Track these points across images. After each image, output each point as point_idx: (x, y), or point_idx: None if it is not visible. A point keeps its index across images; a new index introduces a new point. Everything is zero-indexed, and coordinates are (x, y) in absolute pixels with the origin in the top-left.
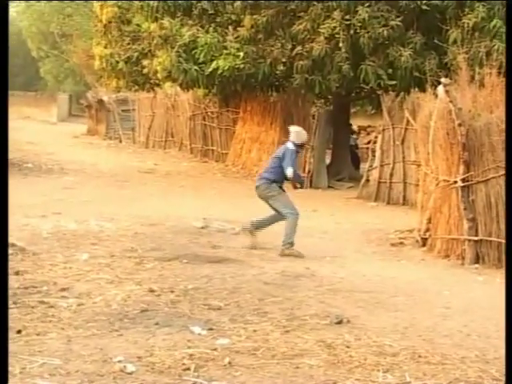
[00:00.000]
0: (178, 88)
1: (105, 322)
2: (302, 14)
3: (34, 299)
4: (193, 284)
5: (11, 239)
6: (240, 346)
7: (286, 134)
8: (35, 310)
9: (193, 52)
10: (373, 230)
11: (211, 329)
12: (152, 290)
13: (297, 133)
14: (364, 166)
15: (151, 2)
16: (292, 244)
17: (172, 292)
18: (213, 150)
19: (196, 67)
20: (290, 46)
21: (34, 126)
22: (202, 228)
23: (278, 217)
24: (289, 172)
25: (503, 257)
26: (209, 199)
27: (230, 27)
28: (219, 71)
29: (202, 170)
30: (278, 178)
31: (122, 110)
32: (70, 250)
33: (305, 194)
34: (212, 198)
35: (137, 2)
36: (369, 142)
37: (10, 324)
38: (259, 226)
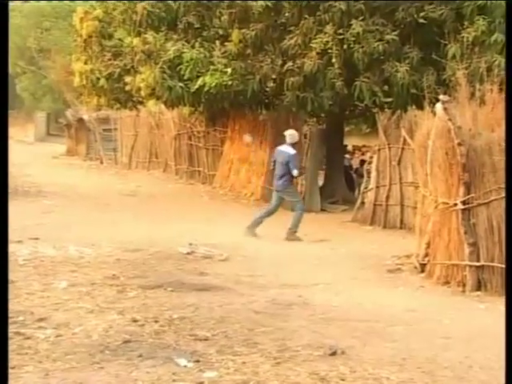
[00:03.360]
0: (163, 106)
1: (85, 354)
2: (292, 28)
3: (9, 330)
4: (178, 313)
5: None
6: (228, 379)
7: None
8: (11, 341)
9: (178, 68)
10: (368, 256)
11: (198, 361)
12: (135, 320)
13: (292, 135)
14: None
15: (134, 16)
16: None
17: (156, 322)
18: (199, 171)
19: (181, 84)
20: (280, 62)
21: (9, 147)
22: (188, 254)
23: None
24: (295, 173)
25: None
26: (195, 223)
27: (217, 42)
28: (206, 88)
29: (187, 192)
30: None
31: (103, 130)
32: (48, 277)
33: None
34: (198, 221)
35: (119, 16)
36: (361, 163)
37: None
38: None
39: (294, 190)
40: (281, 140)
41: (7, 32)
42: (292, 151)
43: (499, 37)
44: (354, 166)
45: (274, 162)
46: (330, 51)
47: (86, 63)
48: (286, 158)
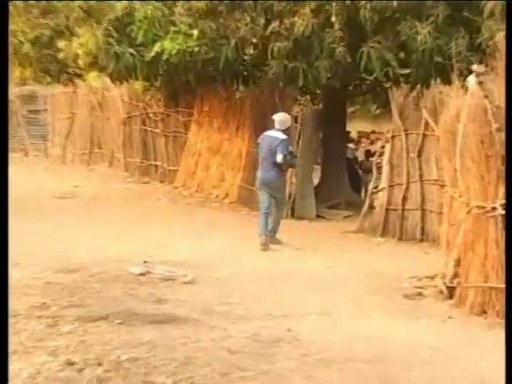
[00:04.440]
0: (108, 80)
1: None
2: None
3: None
4: (129, 353)
5: None
6: None
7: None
8: None
9: (128, 29)
10: (379, 276)
11: None
12: (71, 363)
13: (282, 121)
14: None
15: None
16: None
17: (99, 365)
18: (156, 165)
19: (132, 50)
20: (262, 22)
21: None
22: (142, 275)
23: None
24: (278, 159)
25: None
26: (151, 235)
27: None
28: (164, 56)
29: (141, 193)
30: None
31: (29, 111)
32: None
33: (285, 227)
34: (155, 232)
35: None
36: (369, 154)
37: None
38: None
39: (285, 186)
40: (264, 124)
41: (7, 32)
42: (282, 136)
43: None
44: (360, 159)
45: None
46: (328, 7)
47: None
48: (276, 144)
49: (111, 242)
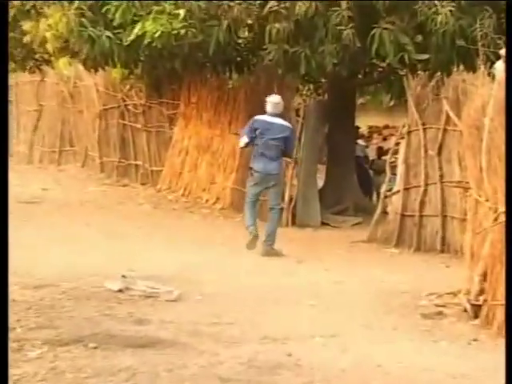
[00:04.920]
0: (81, 67)
1: None
2: None
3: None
4: (105, 382)
5: None
6: None
7: None
8: None
9: (104, 9)
10: (393, 293)
11: None
12: None
13: (277, 104)
14: None
15: None
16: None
17: None
18: (137, 165)
19: (109, 33)
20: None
21: None
22: (120, 291)
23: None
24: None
25: None
26: (130, 245)
27: None
28: (146, 40)
29: (119, 197)
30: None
31: None
32: None
33: (285, 236)
34: (136, 243)
35: None
36: (382, 152)
37: None
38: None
39: (282, 180)
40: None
41: (7, 31)
42: (288, 124)
43: None
44: (371, 158)
45: (253, 137)
46: None
47: None
48: (285, 133)
49: (85, 254)
